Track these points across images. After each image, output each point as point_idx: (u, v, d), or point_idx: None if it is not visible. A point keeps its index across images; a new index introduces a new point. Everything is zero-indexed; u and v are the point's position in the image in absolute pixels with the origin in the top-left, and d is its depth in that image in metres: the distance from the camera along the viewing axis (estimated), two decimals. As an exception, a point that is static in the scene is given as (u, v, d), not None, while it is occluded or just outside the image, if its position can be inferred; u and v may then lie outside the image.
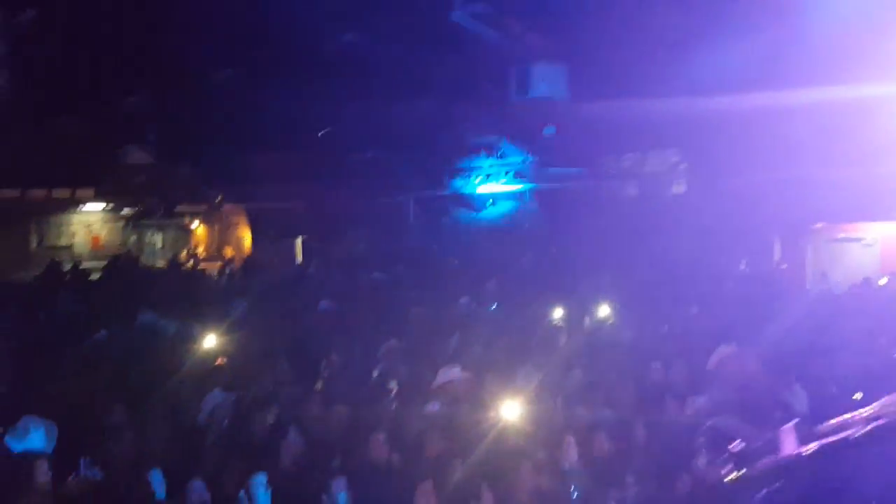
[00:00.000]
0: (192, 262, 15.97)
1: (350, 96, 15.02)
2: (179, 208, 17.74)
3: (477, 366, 6.53)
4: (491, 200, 15.56)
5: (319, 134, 16.18)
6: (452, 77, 15.43)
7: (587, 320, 8.38)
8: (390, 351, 7.46)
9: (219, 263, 15.18)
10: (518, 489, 4.97)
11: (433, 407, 5.83)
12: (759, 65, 11.97)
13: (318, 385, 7.08)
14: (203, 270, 14.56)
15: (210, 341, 7.65)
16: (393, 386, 6.58)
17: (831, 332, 7.80)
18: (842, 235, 14.47)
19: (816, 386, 6.61)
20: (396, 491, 4.93)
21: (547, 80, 14.86)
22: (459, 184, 15.62)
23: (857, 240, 14.38)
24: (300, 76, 15.02)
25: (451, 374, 6.14)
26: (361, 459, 5.29)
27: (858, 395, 7.00)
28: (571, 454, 5.35)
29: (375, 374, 7.06)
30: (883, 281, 11.01)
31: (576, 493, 5.18)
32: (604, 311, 8.47)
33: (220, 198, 17.36)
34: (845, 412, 6.89)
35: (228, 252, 17.60)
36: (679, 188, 14.50)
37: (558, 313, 8.29)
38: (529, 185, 15.23)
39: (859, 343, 7.36)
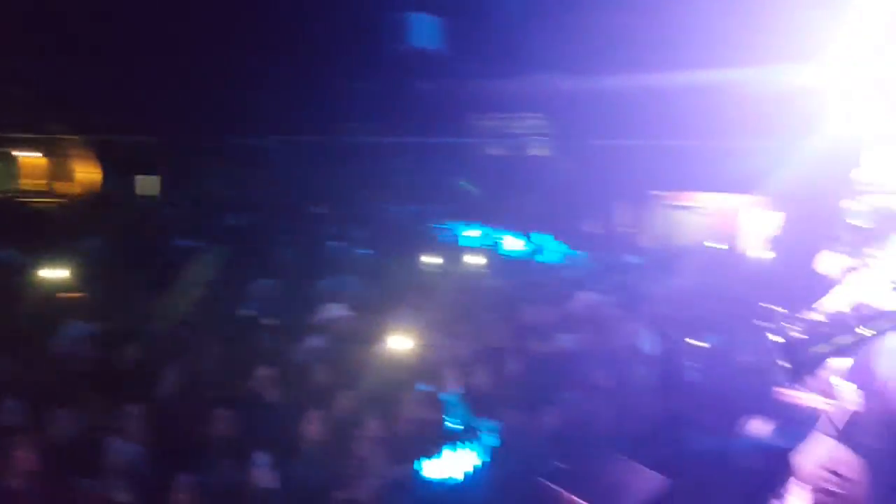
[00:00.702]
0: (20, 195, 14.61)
1: (216, 37, 14.11)
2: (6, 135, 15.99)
3: (357, 305, 6.61)
4: (359, 149, 15.45)
5: (177, 64, 15.07)
6: (322, 23, 15.00)
7: (461, 267, 8.69)
8: (262, 289, 7.38)
9: (56, 199, 14.02)
10: (401, 419, 5.15)
11: (317, 342, 5.86)
12: (621, 42, 12.60)
13: (185, 319, 6.87)
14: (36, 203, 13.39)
15: (58, 273, 7.34)
16: (269, 322, 6.53)
17: (675, 285, 8.60)
18: (679, 203, 15.80)
19: (664, 330, 7.31)
20: (282, 422, 4.95)
21: (420, 32, 14.86)
22: (328, 129, 15.34)
23: (691, 207, 15.76)
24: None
25: (334, 310, 6.18)
26: (244, 393, 5.25)
27: (695, 340, 7.84)
28: (451, 386, 5.60)
29: (248, 311, 6.97)
30: (715, 245, 12.26)
31: (454, 422, 5.43)
32: (477, 259, 8.82)
33: (57, 126, 15.81)
34: (687, 353, 7.66)
35: (67, 186, 16.23)
36: (542, 150, 15.12)
37: (433, 259, 8.53)
38: (399, 137, 15.26)
39: (699, 295, 8.19)
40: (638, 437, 5.63)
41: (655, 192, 15.74)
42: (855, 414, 4.17)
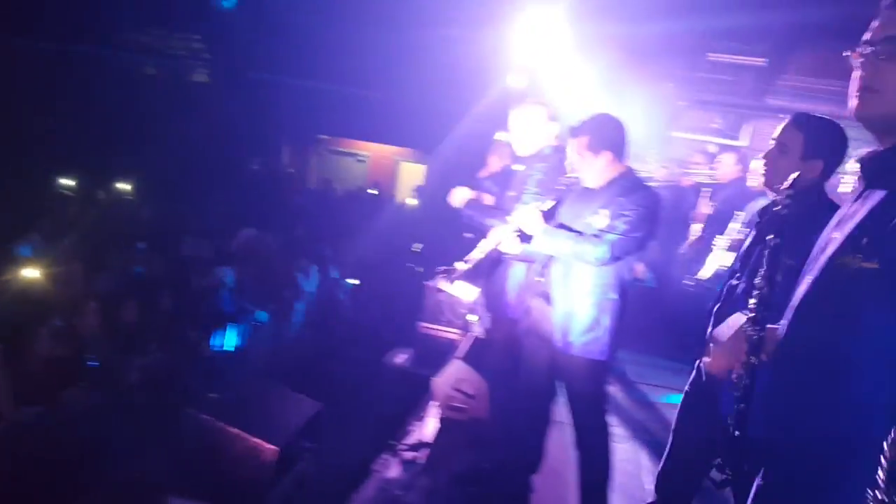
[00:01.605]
0: None
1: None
2: None
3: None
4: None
5: None
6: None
7: (103, 193, 7.85)
8: None
9: None
10: (33, 358, 4.57)
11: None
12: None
13: None
14: None
15: None
16: None
17: (336, 225, 8.89)
18: (341, 149, 16.26)
19: (324, 268, 7.52)
20: None
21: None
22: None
23: (353, 155, 16.34)
24: None
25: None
26: None
27: (355, 280, 8.21)
28: (92, 321, 5.11)
29: None
30: (373, 191, 12.92)
31: (95, 361, 4.98)
32: (121, 186, 8.04)
33: None
34: (343, 290, 7.92)
35: None
36: (201, 76, 14.23)
37: (68, 183, 7.57)
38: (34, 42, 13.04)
39: (355, 236, 8.59)
40: (294, 367, 5.79)
41: (320, 136, 15.98)
42: (481, 341, 4.79)
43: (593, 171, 3.21)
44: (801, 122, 2.62)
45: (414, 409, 4.78)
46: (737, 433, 1.74)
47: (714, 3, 8.47)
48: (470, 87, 8.85)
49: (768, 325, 1.77)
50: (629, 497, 3.77)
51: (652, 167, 8.70)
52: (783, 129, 2.65)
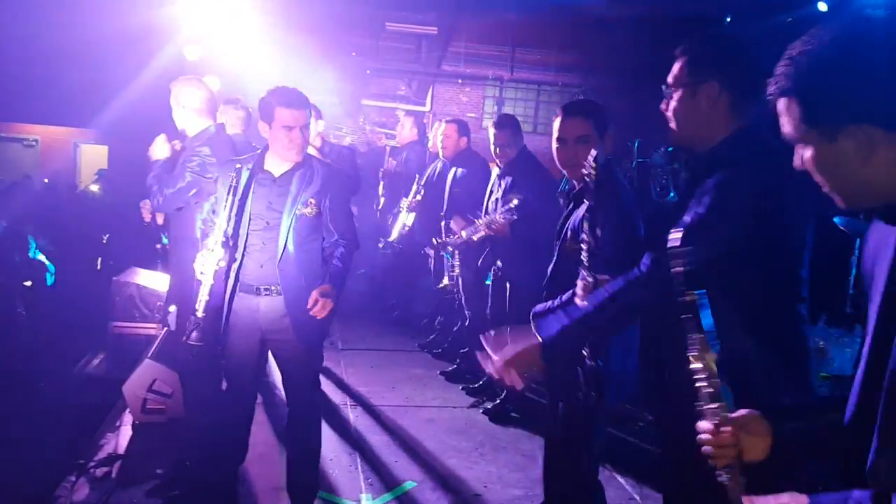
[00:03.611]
0: None
1: None
2: None
3: None
4: None
5: None
6: None
7: None
8: None
9: None
10: None
11: None
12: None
13: None
14: None
15: None
16: None
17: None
18: (3, 134, 14.18)
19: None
20: None
21: None
22: None
23: (20, 140, 14.36)
24: None
25: None
26: None
27: (27, 282, 7.31)
28: None
29: None
30: (45, 180, 11.48)
31: None
32: None
33: None
34: (16, 296, 6.99)
35: None
36: None
37: None
38: None
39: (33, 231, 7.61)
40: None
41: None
42: (173, 334, 4.53)
43: None
44: (586, 110, 2.92)
45: (108, 420, 4.41)
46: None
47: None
48: (144, 57, 8.23)
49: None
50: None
51: (347, 133, 8.90)
52: (569, 124, 2.88)
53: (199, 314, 2.94)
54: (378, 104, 10.79)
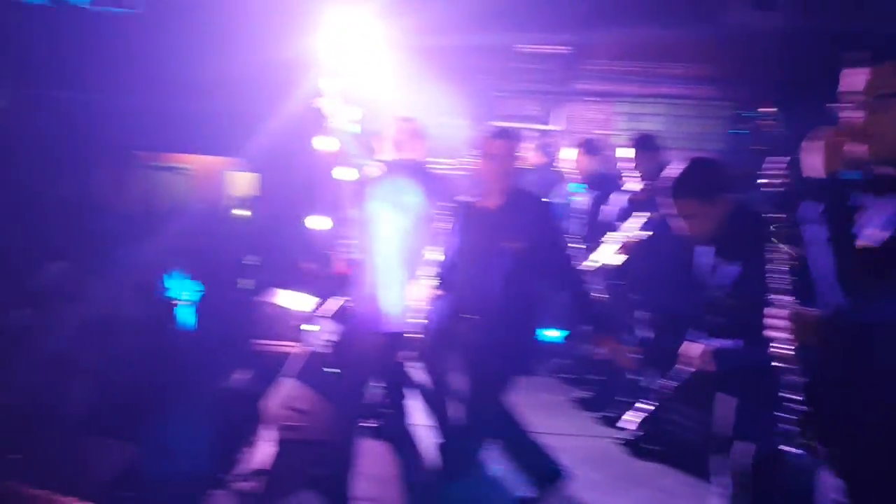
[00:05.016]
0: None
1: None
2: None
3: None
4: None
5: None
6: None
7: None
8: None
9: None
10: None
11: None
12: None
13: None
14: None
15: None
16: None
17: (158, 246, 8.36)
18: (160, 163, 15.35)
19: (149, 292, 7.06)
20: None
21: None
22: None
23: (174, 168, 15.49)
24: None
25: None
26: None
27: (185, 300, 7.79)
28: None
29: None
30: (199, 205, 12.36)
31: None
32: None
33: None
34: (170, 317, 7.49)
35: None
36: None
37: None
38: None
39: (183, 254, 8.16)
40: (115, 408, 5.35)
41: (136, 153, 14.96)
42: (318, 354, 4.67)
43: None
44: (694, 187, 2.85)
45: (248, 435, 4.58)
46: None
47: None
48: (281, 89, 8.67)
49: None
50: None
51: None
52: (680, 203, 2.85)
53: (418, 335, 3.24)
54: (507, 125, 10.77)
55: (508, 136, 3.33)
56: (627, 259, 4.30)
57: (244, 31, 9.25)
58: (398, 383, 4.51)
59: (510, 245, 3.28)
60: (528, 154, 6.59)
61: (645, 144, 4.39)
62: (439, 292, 3.38)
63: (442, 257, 3.39)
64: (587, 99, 12.34)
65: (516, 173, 3.39)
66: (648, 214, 4.08)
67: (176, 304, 7.62)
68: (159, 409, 5.04)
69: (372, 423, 4.59)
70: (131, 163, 15.05)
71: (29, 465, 3.21)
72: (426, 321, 3.35)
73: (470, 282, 3.36)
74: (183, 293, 7.62)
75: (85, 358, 5.81)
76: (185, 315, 7.68)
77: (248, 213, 11.96)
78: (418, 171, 3.81)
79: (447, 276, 3.40)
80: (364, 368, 4.40)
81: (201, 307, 7.84)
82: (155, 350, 6.68)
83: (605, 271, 4.53)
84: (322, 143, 6.64)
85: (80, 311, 6.42)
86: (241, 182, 14.83)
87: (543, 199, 3.66)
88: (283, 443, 4.32)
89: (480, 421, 3.45)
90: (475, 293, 3.33)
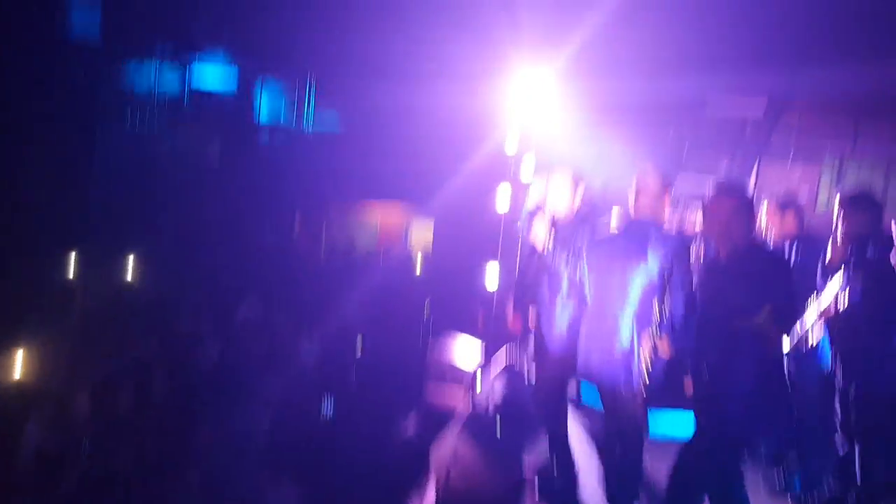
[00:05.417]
0: None
1: None
2: None
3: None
4: None
5: None
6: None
7: (107, 274, 7.77)
8: None
9: None
10: (23, 450, 4.46)
11: None
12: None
13: None
14: None
15: None
16: None
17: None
18: (355, 213, 16.26)
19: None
20: None
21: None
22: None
23: (367, 218, 16.34)
24: None
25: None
26: None
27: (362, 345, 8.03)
28: (83, 409, 5.00)
29: None
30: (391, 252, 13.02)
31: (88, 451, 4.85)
32: (124, 264, 7.94)
33: None
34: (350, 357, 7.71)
35: None
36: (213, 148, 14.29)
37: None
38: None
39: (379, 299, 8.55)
40: (293, 446, 5.56)
41: (335, 202, 15.95)
42: (483, 410, 4.61)
43: None
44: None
45: (417, 481, 4.57)
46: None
47: (712, 55, 8.50)
48: (464, 142, 8.91)
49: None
50: None
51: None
52: None
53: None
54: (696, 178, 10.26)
55: (735, 192, 3.33)
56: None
57: (437, 84, 9.66)
58: (566, 442, 4.36)
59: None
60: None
61: (867, 205, 3.90)
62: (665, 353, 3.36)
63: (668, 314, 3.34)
64: (786, 156, 11.42)
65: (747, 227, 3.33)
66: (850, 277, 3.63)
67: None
68: (335, 451, 5.19)
69: (537, 480, 4.44)
70: (329, 212, 16.10)
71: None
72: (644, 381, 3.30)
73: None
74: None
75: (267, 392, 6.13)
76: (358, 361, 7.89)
77: (421, 259, 12.36)
78: (656, 230, 3.71)
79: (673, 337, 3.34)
80: (534, 423, 4.30)
81: (377, 352, 8.07)
82: (330, 391, 6.93)
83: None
84: (505, 194, 6.66)
85: (268, 348, 6.85)
86: (422, 229, 15.35)
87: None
88: (448, 493, 4.26)
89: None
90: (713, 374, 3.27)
